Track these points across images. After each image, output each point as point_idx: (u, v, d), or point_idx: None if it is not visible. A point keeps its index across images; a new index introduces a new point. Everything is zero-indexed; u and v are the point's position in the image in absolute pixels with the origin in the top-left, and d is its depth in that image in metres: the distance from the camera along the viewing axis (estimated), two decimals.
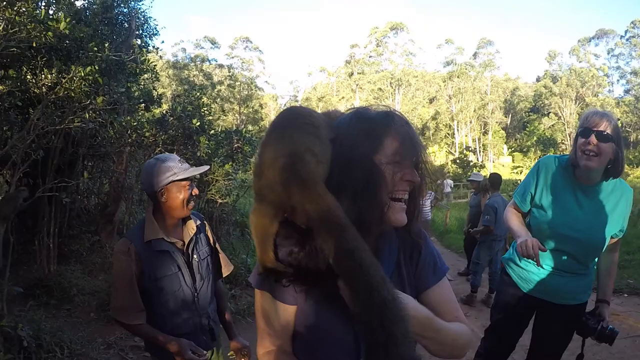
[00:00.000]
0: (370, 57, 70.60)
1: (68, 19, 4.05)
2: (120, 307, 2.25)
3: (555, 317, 2.69)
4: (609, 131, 2.38)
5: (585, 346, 2.81)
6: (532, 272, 2.69)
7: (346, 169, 1.14)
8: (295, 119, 1.17)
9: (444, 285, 1.38)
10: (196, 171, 2.42)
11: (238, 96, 62.06)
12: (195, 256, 2.37)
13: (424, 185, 1.28)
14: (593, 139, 2.38)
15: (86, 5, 7.95)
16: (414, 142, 1.22)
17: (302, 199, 1.07)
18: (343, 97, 66.93)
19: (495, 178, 7.96)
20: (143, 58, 5.20)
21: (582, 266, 2.59)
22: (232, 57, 67.13)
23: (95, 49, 4.60)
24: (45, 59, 4.57)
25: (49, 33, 4.03)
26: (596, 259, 2.67)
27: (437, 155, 62.92)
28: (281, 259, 1.17)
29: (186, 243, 2.37)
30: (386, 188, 1.17)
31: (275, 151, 1.10)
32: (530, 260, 2.46)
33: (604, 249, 2.58)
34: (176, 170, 2.28)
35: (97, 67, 4.54)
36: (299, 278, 1.18)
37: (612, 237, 2.58)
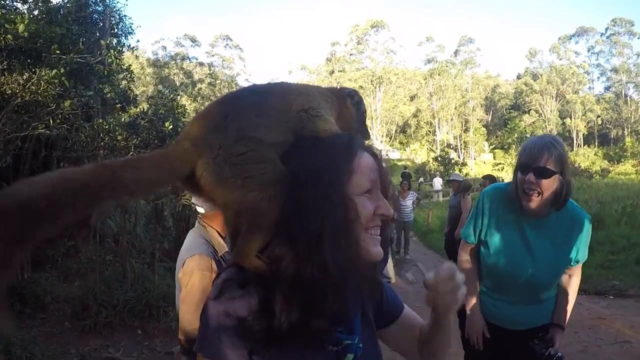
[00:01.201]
0: (351, 54, 70.71)
1: (27, 22, 3.89)
2: None
3: (513, 344, 2.48)
4: (550, 166, 2.16)
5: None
6: (486, 301, 2.54)
7: (313, 207, 0.94)
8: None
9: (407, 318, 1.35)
10: None
11: (219, 94, 61.66)
12: None
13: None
14: (531, 177, 2.18)
15: (61, 3, 7.80)
16: (384, 170, 1.11)
17: None
18: None
19: (492, 179, 8.05)
20: (110, 60, 5.05)
21: (537, 298, 2.43)
22: (213, 55, 66.96)
23: (58, 52, 4.44)
24: (5, 62, 4.43)
25: (8, 36, 3.88)
26: (554, 288, 2.47)
27: (419, 152, 63.30)
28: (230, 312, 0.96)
29: None
30: (361, 225, 1.01)
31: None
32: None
33: (562, 275, 2.44)
34: None
35: (62, 70, 4.40)
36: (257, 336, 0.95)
37: (570, 267, 2.41)
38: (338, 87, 1.33)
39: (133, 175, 0.88)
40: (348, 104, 1.27)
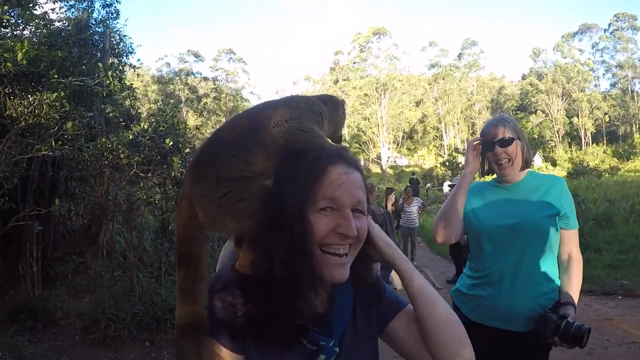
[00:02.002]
0: (354, 63, 70.71)
1: (26, 49, 4.04)
2: None
3: (515, 347, 2.43)
4: (507, 134, 2.46)
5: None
6: (481, 296, 2.52)
7: (272, 219, 1.05)
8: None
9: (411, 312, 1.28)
10: None
11: (224, 108, 62.07)
12: None
13: (372, 232, 1.19)
14: (498, 149, 2.47)
15: (62, 26, 7.98)
16: (354, 185, 1.09)
17: None
18: None
19: None
20: (109, 82, 5.19)
21: (530, 267, 2.42)
22: (217, 70, 67.30)
23: (57, 76, 4.60)
24: (7, 88, 4.59)
25: (8, 64, 4.04)
26: (549, 282, 2.47)
27: (426, 158, 63.14)
28: (218, 310, 1.12)
29: None
30: (313, 241, 1.05)
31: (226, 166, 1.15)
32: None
33: (557, 242, 2.48)
34: None
35: (62, 93, 4.55)
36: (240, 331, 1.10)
37: (561, 228, 2.46)
38: (327, 95, 1.39)
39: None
40: (340, 112, 1.37)
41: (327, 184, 1.05)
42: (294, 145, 1.11)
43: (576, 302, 2.38)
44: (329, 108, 1.31)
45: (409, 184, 17.82)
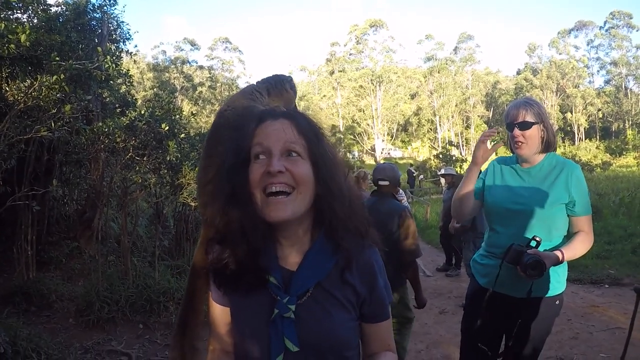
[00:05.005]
0: (350, 54, 70.51)
1: (28, 31, 4.08)
2: None
3: (514, 312, 2.61)
4: (529, 118, 2.60)
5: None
6: (490, 264, 2.71)
7: (220, 172, 1.31)
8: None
9: (387, 323, 1.40)
10: None
11: (219, 97, 61.80)
12: None
13: (329, 174, 1.26)
14: (517, 131, 2.62)
15: (60, 11, 7.98)
16: (278, 130, 1.22)
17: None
18: (325, 96, 67.02)
19: None
20: (107, 66, 5.23)
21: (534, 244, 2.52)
22: (212, 59, 67.10)
23: (58, 59, 4.64)
24: (8, 70, 4.63)
25: (11, 45, 4.09)
26: (555, 242, 2.61)
27: (420, 150, 63.26)
28: (209, 260, 1.30)
29: None
30: (254, 186, 1.20)
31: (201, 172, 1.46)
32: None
33: (567, 228, 2.64)
34: None
35: (62, 76, 4.59)
36: (220, 279, 1.30)
37: (569, 215, 2.61)
38: (274, 75, 1.67)
39: None
40: (287, 88, 1.61)
41: (257, 136, 1.22)
42: (234, 122, 1.45)
43: (565, 258, 2.52)
44: (275, 89, 1.67)
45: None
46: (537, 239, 2.45)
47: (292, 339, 1.21)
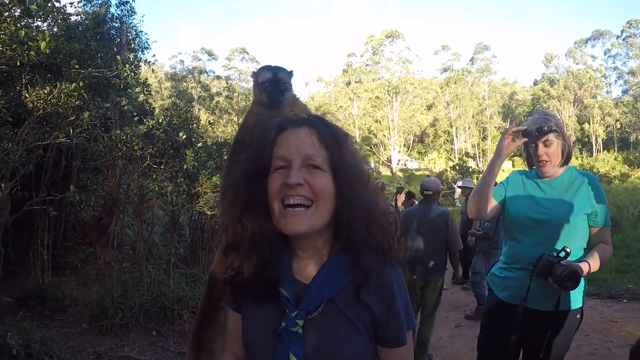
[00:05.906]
0: (367, 65, 70.40)
1: (48, 39, 4.15)
2: None
3: (540, 326, 2.59)
4: (551, 137, 2.61)
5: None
6: (511, 277, 2.69)
7: (239, 180, 1.30)
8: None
9: (404, 349, 1.30)
10: None
11: (236, 107, 62.14)
12: None
13: (348, 186, 1.21)
14: (540, 149, 2.64)
15: (79, 20, 8.11)
16: (299, 139, 1.19)
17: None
18: (341, 106, 66.94)
19: None
20: (126, 74, 5.29)
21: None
22: (230, 69, 67.43)
23: (77, 66, 4.71)
24: (28, 77, 4.72)
25: (31, 52, 4.16)
26: (576, 254, 2.58)
27: (437, 162, 62.93)
28: (224, 266, 1.31)
29: None
30: (271, 195, 1.19)
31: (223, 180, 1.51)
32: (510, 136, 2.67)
33: (587, 240, 2.64)
34: None
35: (81, 84, 4.66)
36: (234, 285, 1.30)
37: (590, 227, 2.62)
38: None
39: None
40: (254, 89, 1.72)
41: (278, 145, 1.21)
42: (255, 129, 1.49)
43: (590, 270, 2.50)
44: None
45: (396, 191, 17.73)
46: (567, 249, 2.44)
47: (297, 354, 1.18)
